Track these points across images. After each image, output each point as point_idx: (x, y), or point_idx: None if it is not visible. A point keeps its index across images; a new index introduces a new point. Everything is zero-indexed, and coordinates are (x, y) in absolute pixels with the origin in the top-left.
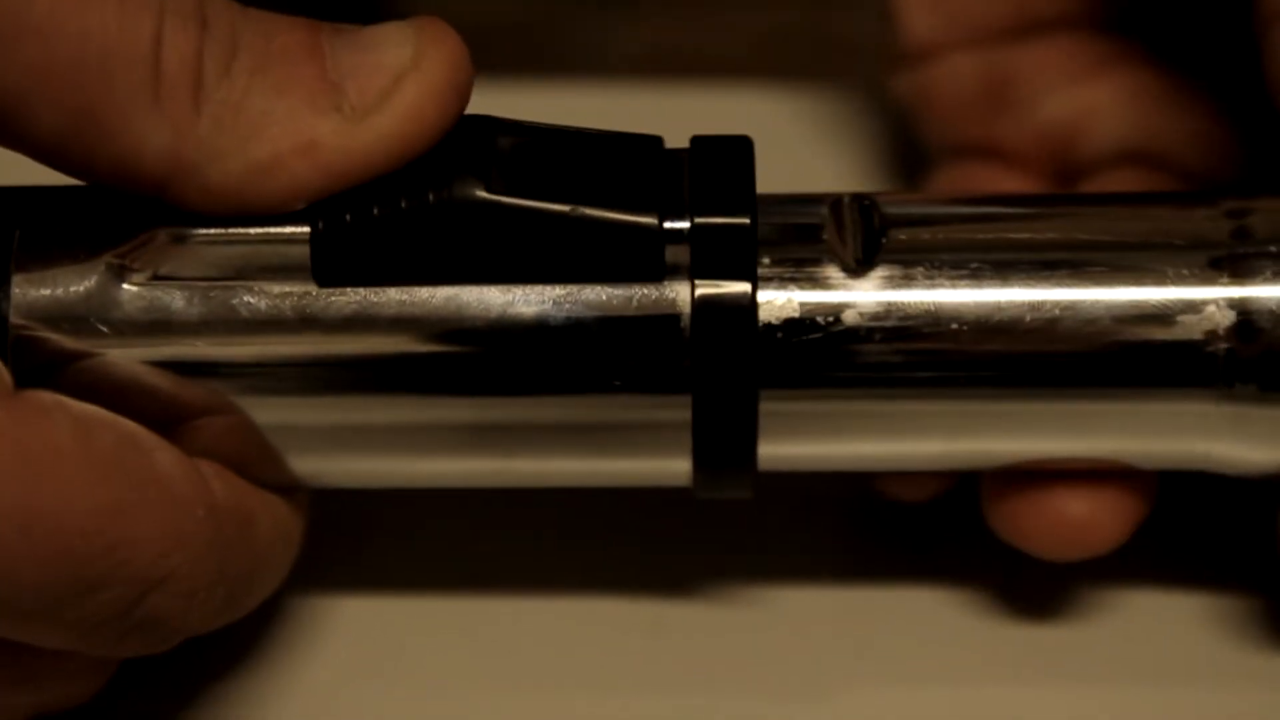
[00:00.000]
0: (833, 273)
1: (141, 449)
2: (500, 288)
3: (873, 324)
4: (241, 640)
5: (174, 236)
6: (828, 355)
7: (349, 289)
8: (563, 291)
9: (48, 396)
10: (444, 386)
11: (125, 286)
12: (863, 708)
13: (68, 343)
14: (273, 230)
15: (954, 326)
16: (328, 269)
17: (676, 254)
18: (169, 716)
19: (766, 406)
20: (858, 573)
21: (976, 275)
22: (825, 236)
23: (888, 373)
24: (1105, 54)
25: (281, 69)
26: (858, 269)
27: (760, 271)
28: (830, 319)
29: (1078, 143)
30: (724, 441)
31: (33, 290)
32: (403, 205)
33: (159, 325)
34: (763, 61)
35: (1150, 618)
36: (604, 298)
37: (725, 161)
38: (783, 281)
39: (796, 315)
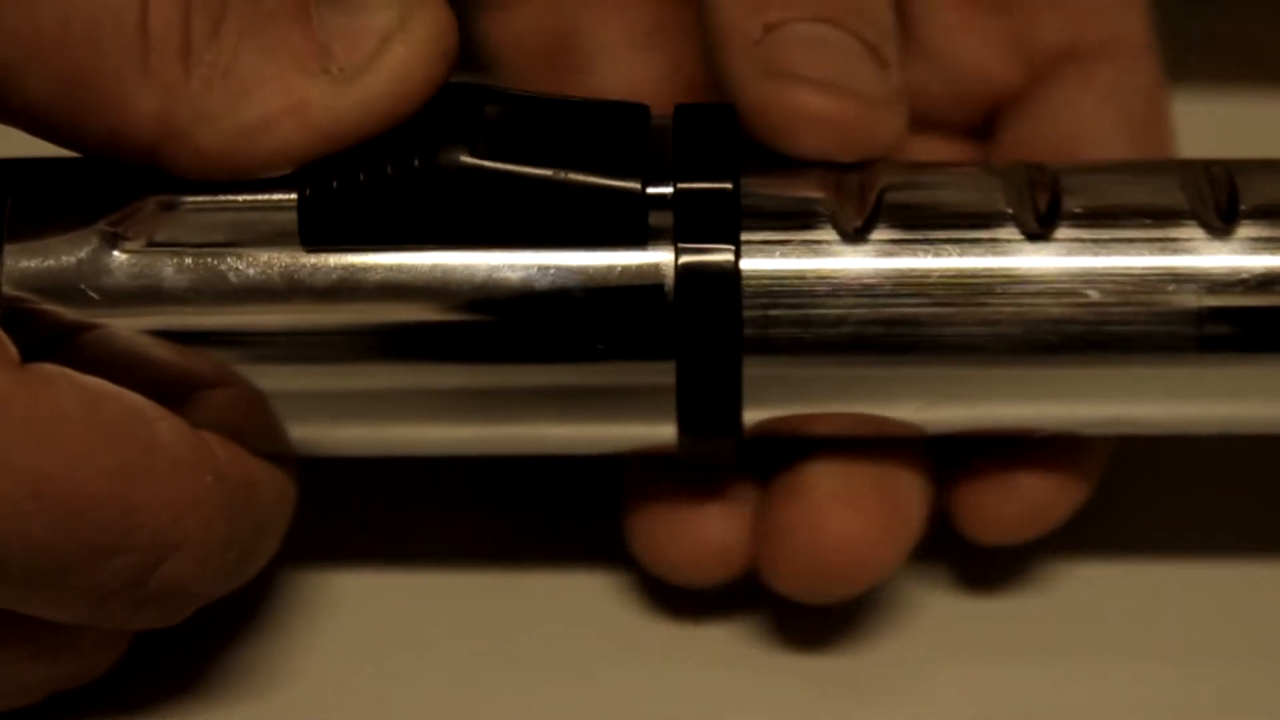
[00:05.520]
0: (1197, 233)
1: (146, 417)
2: (485, 253)
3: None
4: (247, 617)
5: (164, 204)
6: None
7: (335, 255)
8: (547, 256)
9: (53, 368)
10: (429, 352)
11: (116, 254)
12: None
13: (61, 312)
14: (261, 197)
15: None
16: (315, 234)
17: (660, 219)
18: (176, 694)
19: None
20: None
21: None
22: (1186, 195)
23: None
24: (659, 24)
25: (269, 31)
26: (1225, 228)
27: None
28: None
29: None
30: (708, 406)
31: (25, 260)
32: (389, 171)
33: (149, 292)
34: None
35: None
36: (588, 262)
37: (709, 129)
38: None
39: None
